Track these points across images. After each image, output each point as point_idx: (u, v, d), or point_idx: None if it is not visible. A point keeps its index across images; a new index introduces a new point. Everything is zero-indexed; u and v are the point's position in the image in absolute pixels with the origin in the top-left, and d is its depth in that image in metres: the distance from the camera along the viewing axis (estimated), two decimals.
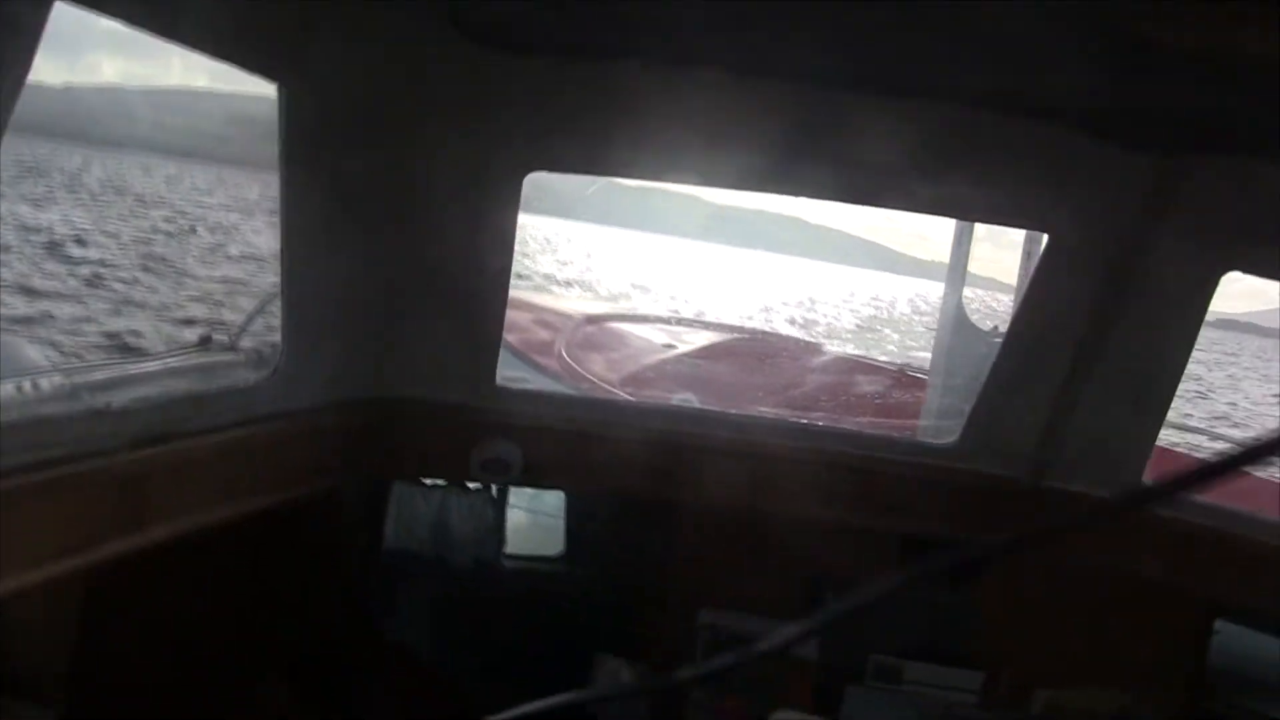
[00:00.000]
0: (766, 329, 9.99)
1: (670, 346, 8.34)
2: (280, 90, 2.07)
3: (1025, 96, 2.33)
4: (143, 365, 2.31)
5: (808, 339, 10.04)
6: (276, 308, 2.45)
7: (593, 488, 3.39)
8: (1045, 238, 2.74)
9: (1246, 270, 2.64)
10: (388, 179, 2.45)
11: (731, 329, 9.48)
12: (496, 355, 2.87)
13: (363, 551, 3.27)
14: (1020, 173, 2.55)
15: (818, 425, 3.35)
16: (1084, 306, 2.75)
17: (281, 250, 2.28)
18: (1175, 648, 3.14)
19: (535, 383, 3.17)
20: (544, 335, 7.76)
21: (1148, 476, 3.01)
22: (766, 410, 5.01)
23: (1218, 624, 3.18)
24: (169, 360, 2.41)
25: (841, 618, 0.92)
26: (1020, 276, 3.79)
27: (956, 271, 3.82)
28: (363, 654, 3.01)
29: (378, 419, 2.78)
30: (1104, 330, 2.81)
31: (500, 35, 2.27)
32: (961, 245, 3.74)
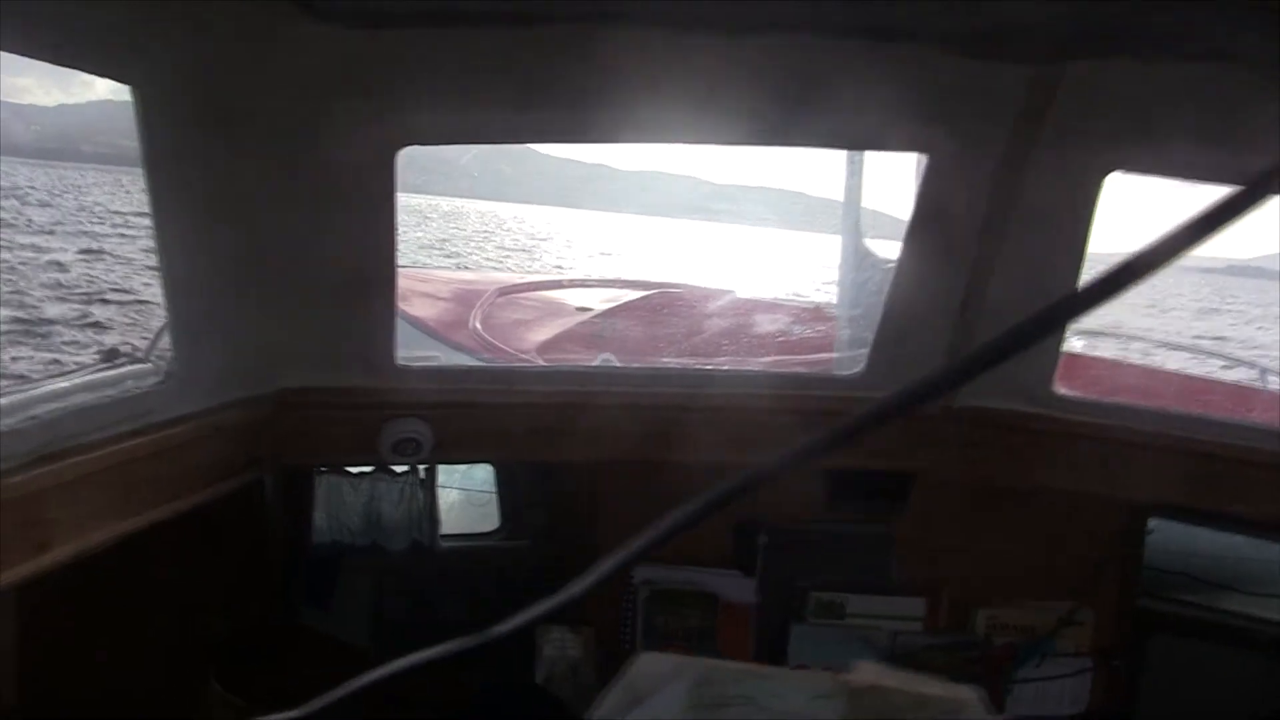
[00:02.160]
0: (682, 282, 10.01)
1: (585, 309, 8.31)
2: (133, 92, 1.99)
3: (893, 22, 2.31)
4: (46, 385, 2.23)
5: (721, 287, 10.09)
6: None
7: (509, 457, 3.35)
8: (925, 159, 2.70)
9: (1129, 170, 2.66)
10: (258, 169, 2.38)
11: (647, 285, 9.46)
12: (393, 335, 2.80)
13: (291, 545, 3.23)
14: (893, 98, 2.51)
15: (729, 370, 3.33)
16: (972, 223, 2.75)
17: (158, 252, 2.22)
18: (1110, 553, 3.23)
19: (447, 359, 3.14)
20: (458, 311, 7.68)
21: (1060, 384, 3.04)
22: (678, 361, 4.98)
23: (1152, 523, 3.26)
24: (74, 377, 2.33)
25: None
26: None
27: (852, 203, 3.85)
28: (299, 647, 2.98)
29: (284, 411, 2.72)
30: (995, 245, 2.81)
31: (348, 11, 2.20)
32: (854, 177, 3.76)
